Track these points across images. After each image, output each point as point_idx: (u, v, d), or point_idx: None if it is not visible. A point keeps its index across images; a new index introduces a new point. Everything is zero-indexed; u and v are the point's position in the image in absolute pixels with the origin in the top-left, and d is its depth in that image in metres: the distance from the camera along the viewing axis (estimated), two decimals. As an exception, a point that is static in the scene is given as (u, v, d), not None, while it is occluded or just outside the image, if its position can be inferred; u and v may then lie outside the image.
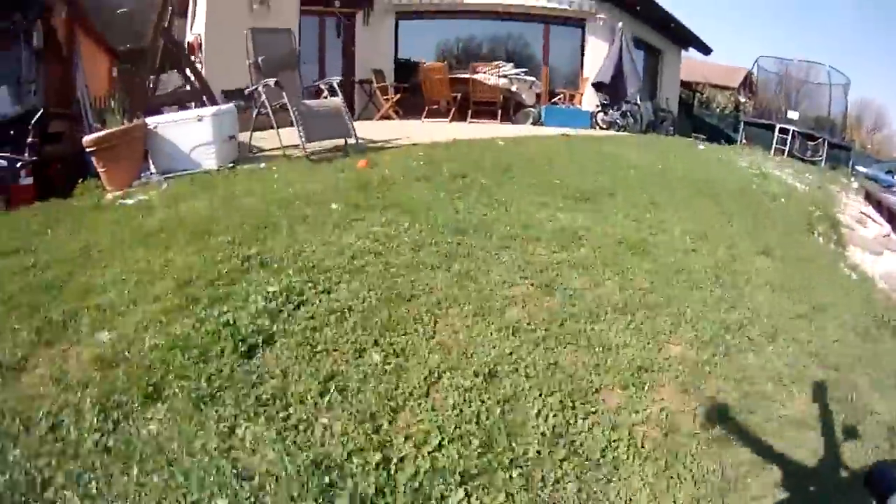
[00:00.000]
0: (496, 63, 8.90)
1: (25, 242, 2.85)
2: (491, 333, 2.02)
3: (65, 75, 6.24)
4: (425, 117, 8.91)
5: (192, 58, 7.99)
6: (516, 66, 10.18)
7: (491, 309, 2.17)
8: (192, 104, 5.84)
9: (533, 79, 9.07)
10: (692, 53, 13.89)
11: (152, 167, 4.45)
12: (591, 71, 10.11)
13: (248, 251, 2.50)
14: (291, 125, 4.54)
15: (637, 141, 6.95)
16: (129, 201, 3.64)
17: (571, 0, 9.92)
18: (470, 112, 8.77)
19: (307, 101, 4.67)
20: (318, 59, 10.51)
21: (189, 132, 4.44)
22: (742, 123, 12.56)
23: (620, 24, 9.55)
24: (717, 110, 15.50)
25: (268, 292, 2.12)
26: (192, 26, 11.27)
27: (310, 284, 2.22)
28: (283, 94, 4.49)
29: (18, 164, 4.50)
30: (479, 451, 1.50)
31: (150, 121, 4.52)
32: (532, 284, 2.39)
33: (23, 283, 2.33)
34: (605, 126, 9.44)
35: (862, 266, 3.94)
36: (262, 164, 4.36)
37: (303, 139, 4.39)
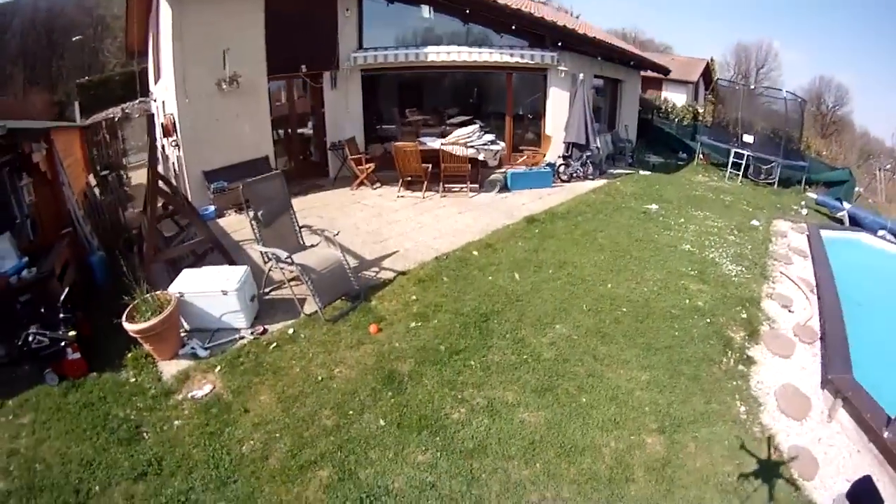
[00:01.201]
0: (465, 134, 9.79)
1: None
2: None
3: (55, 197, 6.79)
4: (401, 188, 9.86)
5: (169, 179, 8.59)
6: (482, 118, 11.23)
7: None
8: (204, 252, 6.54)
9: (498, 148, 9.98)
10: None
11: (186, 326, 5.32)
12: (552, 125, 11.11)
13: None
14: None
15: (584, 229, 7.96)
16: (198, 394, 4.59)
17: (533, 53, 10.71)
18: (442, 185, 9.75)
19: (313, 266, 5.53)
20: (288, 118, 11.26)
21: (216, 303, 5.27)
22: (699, 143, 13.81)
23: (581, 75, 10.45)
24: (676, 121, 16.67)
25: None
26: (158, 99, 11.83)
27: None
28: (295, 265, 5.42)
29: (63, 344, 4.90)
30: None
31: (178, 289, 5.24)
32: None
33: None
34: (566, 178, 10.57)
35: (760, 398, 4.52)
36: (291, 330, 5.34)
37: (320, 307, 5.38)
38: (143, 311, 4.95)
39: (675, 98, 25.48)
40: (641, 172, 12.15)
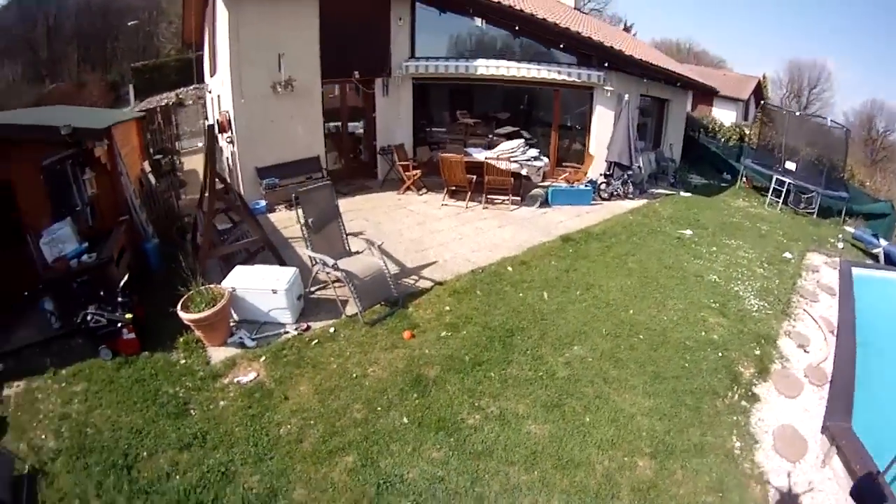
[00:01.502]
0: (510, 149, 10.23)
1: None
2: None
3: (113, 187, 7.45)
4: (446, 196, 10.42)
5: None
6: (530, 125, 11.59)
7: None
8: (255, 250, 7.22)
9: (540, 164, 10.37)
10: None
11: (236, 317, 6.01)
12: (596, 143, 11.40)
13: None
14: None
15: (617, 251, 8.29)
16: (244, 379, 5.27)
17: (580, 72, 11.02)
18: (485, 197, 10.23)
19: (356, 273, 6.11)
20: (340, 120, 11.96)
21: (266, 299, 5.93)
22: (743, 167, 13.86)
23: (627, 95, 10.73)
24: (723, 141, 16.66)
25: None
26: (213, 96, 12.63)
27: None
28: (339, 271, 6.04)
29: (119, 325, 5.58)
30: None
31: (231, 284, 5.94)
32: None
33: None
34: (605, 196, 10.88)
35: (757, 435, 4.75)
36: (332, 329, 5.95)
37: (360, 311, 5.98)
38: (198, 302, 5.66)
39: (725, 115, 25.10)
40: (682, 194, 12.32)
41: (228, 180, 8.40)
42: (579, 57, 11.28)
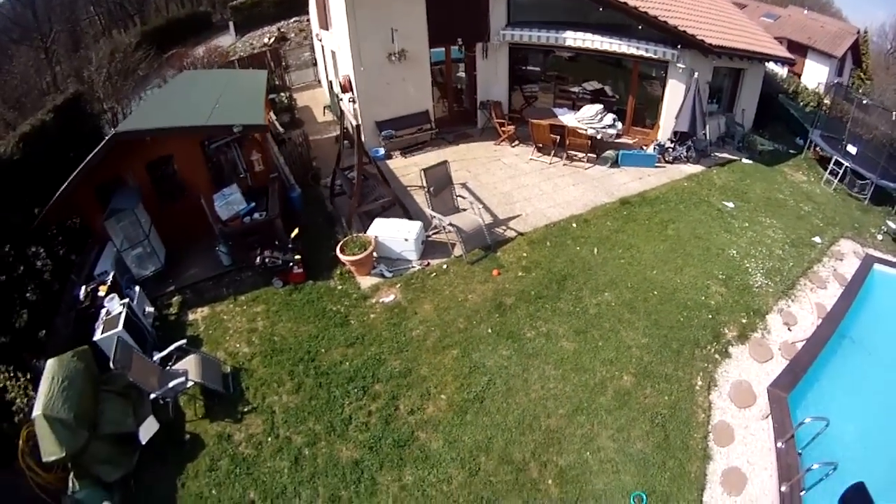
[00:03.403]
0: (589, 117, 12.58)
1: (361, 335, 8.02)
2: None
3: (264, 153, 10.30)
4: (534, 152, 13.07)
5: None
6: (614, 84, 13.70)
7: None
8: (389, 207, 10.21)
9: (614, 131, 12.64)
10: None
11: (376, 255, 9.08)
12: (666, 112, 13.25)
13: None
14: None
15: (661, 218, 10.62)
16: (386, 300, 8.53)
17: (656, 49, 12.67)
18: (565, 154, 12.81)
19: (463, 227, 9.02)
20: (446, 75, 14.57)
21: (399, 244, 9.03)
22: (810, 142, 14.98)
23: (697, 73, 12.45)
24: (801, 104, 17.58)
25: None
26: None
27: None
28: (451, 226, 9.15)
29: (291, 264, 8.72)
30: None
31: (374, 233, 8.99)
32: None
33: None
34: (669, 160, 13.13)
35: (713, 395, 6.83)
36: (445, 266, 9.10)
37: (464, 253, 9.08)
38: (352, 246, 8.78)
39: (818, 70, 25.60)
40: (744, 161, 13.72)
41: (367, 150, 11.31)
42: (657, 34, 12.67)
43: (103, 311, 7.36)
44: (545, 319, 7.97)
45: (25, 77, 23.96)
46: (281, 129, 14.62)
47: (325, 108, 17.89)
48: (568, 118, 12.96)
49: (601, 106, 13.08)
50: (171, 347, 7.11)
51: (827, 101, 17.13)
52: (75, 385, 5.95)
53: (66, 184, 8.32)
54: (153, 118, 9.63)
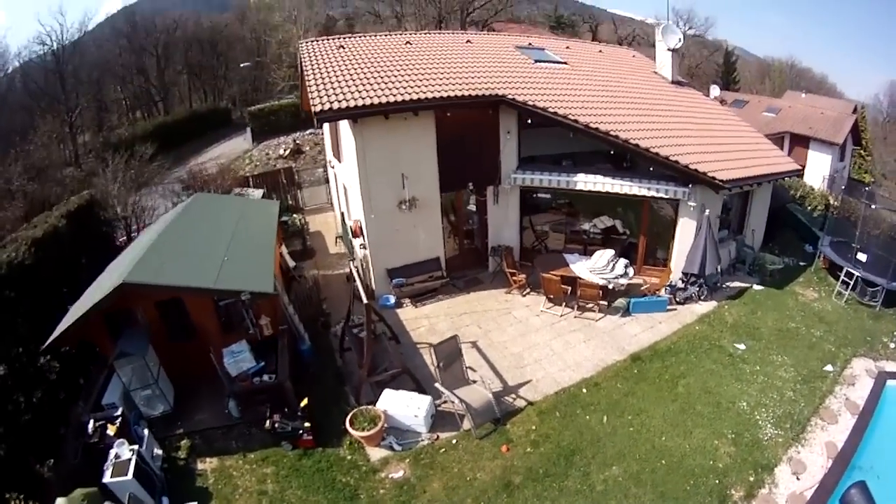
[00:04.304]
0: (600, 268, 14.00)
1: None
2: None
3: (274, 308, 11.28)
4: (545, 303, 14.39)
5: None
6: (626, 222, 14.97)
7: None
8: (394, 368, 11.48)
9: (625, 281, 14.14)
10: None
11: (385, 425, 10.20)
12: (677, 252, 14.69)
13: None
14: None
15: (672, 373, 11.70)
16: (395, 475, 9.51)
17: (667, 189, 14.15)
18: (576, 304, 14.10)
19: (471, 403, 10.29)
20: (455, 219, 16.18)
21: (408, 416, 10.31)
22: (819, 252, 16.20)
23: (707, 211, 13.85)
24: (808, 209, 18.89)
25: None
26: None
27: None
28: (460, 401, 10.14)
29: (301, 431, 9.87)
30: None
31: (383, 406, 10.23)
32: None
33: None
34: (680, 301, 14.11)
35: None
36: (454, 441, 10.13)
37: (473, 428, 10.15)
38: (361, 420, 10.02)
39: (820, 159, 28.40)
40: (755, 287, 15.09)
41: (378, 310, 12.69)
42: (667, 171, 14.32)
43: (112, 453, 8.40)
44: (552, 500, 9.11)
45: (48, 148, 26.43)
46: (292, 264, 16.20)
47: (336, 237, 19.51)
48: (579, 267, 14.57)
49: (612, 252, 14.69)
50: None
51: (832, 200, 18.80)
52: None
53: (74, 319, 9.57)
54: (163, 269, 10.33)
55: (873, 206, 16.15)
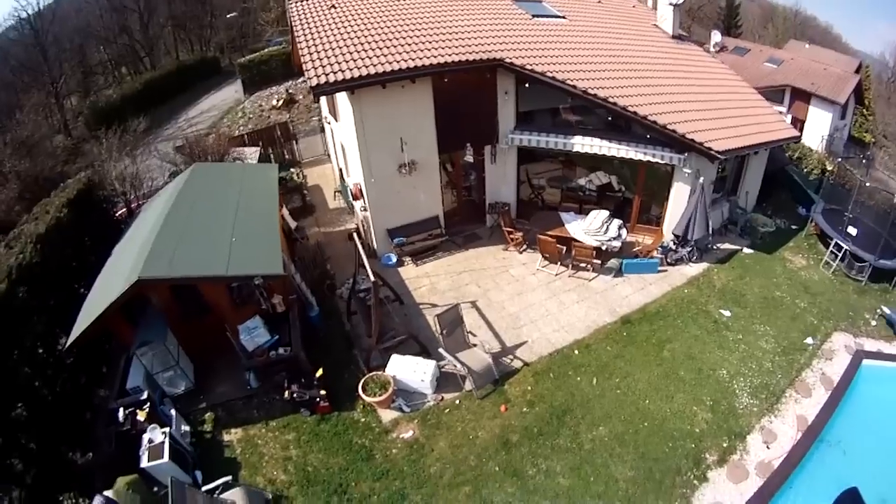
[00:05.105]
0: (595, 229, 14.88)
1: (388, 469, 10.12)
2: None
3: (286, 297, 11.89)
4: (541, 263, 15.34)
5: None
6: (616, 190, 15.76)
7: None
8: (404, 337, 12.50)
9: (619, 242, 15.02)
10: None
11: (394, 387, 11.33)
12: (670, 215, 15.50)
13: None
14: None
15: (659, 337, 12.82)
16: (405, 435, 10.67)
17: (663, 154, 14.70)
18: (571, 263, 15.01)
19: (472, 366, 11.32)
20: (455, 176, 16.90)
21: (415, 380, 11.42)
22: (811, 218, 16.87)
23: (702, 178, 14.57)
24: (805, 171, 19.54)
25: None
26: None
27: None
28: (462, 365, 11.20)
29: (318, 399, 10.91)
30: None
31: (392, 372, 11.31)
32: None
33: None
34: (671, 262, 15.09)
35: None
36: (457, 401, 11.25)
37: (474, 389, 11.26)
38: (372, 387, 11.12)
39: (822, 116, 28.56)
40: (745, 251, 15.86)
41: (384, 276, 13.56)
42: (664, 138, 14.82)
43: (145, 438, 9.09)
44: (545, 457, 10.32)
45: (36, 122, 26.49)
46: (293, 224, 16.80)
47: (335, 192, 20.06)
48: (574, 227, 15.42)
49: (607, 213, 15.49)
50: (219, 482, 9.19)
51: (829, 165, 19.39)
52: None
53: (92, 319, 9.84)
54: (175, 259, 10.40)
55: (867, 184, 16.59)
